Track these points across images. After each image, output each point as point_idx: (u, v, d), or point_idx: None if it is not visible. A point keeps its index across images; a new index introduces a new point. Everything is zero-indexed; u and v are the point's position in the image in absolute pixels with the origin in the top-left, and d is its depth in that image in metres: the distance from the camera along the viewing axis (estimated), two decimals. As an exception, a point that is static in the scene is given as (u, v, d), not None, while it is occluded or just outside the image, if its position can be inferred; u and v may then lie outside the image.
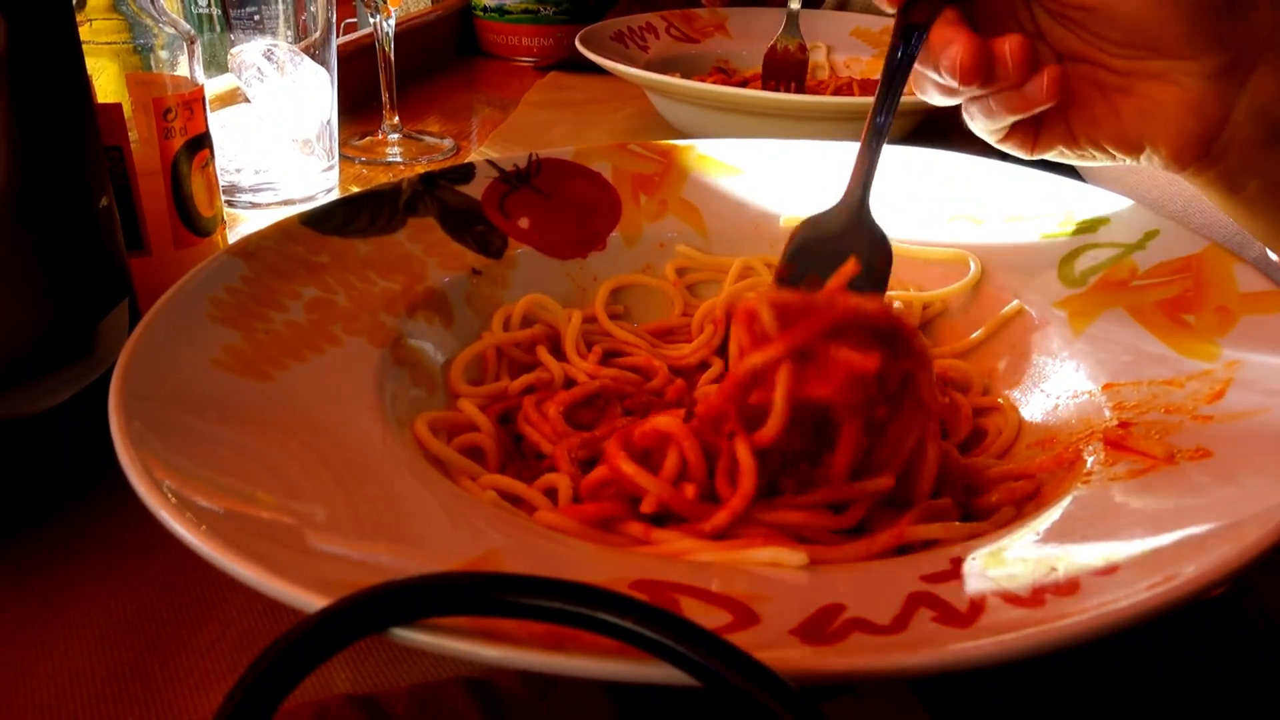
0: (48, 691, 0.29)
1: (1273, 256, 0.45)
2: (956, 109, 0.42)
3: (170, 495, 0.26)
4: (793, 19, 0.89)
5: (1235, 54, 0.36)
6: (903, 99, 0.41)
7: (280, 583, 0.23)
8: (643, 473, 0.32)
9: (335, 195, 0.70)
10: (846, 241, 0.43)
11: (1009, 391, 0.41)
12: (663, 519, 0.33)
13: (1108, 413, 0.36)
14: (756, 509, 0.31)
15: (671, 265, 0.50)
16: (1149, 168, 0.39)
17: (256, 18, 0.65)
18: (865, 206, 0.43)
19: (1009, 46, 0.37)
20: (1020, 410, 0.40)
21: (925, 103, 0.42)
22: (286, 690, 0.20)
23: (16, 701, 0.29)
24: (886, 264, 0.43)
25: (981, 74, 0.38)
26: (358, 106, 0.88)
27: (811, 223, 0.44)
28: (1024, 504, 0.33)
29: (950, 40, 0.38)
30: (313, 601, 0.23)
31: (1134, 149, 0.39)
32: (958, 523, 0.32)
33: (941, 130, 0.82)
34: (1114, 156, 0.40)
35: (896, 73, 0.40)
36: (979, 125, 0.42)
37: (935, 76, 0.40)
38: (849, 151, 0.52)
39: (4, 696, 0.29)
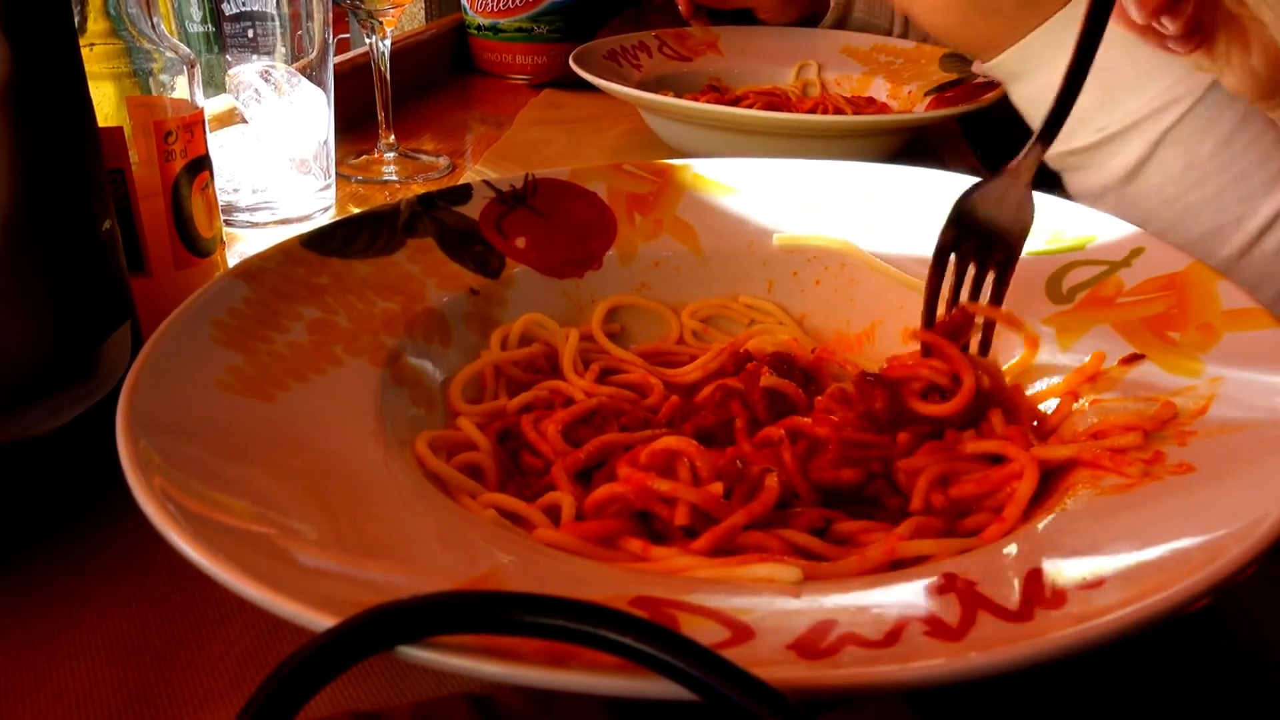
0: (53, 711, 0.30)
1: None
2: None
3: (177, 516, 0.27)
4: None
5: None
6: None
7: (287, 602, 0.24)
8: (674, 483, 0.33)
9: (332, 214, 0.71)
10: (998, 207, 0.43)
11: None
12: (660, 536, 0.34)
13: (1095, 427, 0.36)
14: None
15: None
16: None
17: (250, 34, 0.66)
18: (1028, 183, 0.43)
19: None
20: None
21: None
22: (297, 708, 0.20)
23: (23, 720, 0.29)
24: (1022, 233, 0.43)
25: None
26: (353, 125, 0.89)
27: (973, 196, 0.44)
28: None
29: None
30: (318, 620, 0.23)
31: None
32: (948, 538, 0.33)
33: (933, 149, 0.83)
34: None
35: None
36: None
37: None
38: (842, 170, 0.54)
39: (10, 716, 0.30)
